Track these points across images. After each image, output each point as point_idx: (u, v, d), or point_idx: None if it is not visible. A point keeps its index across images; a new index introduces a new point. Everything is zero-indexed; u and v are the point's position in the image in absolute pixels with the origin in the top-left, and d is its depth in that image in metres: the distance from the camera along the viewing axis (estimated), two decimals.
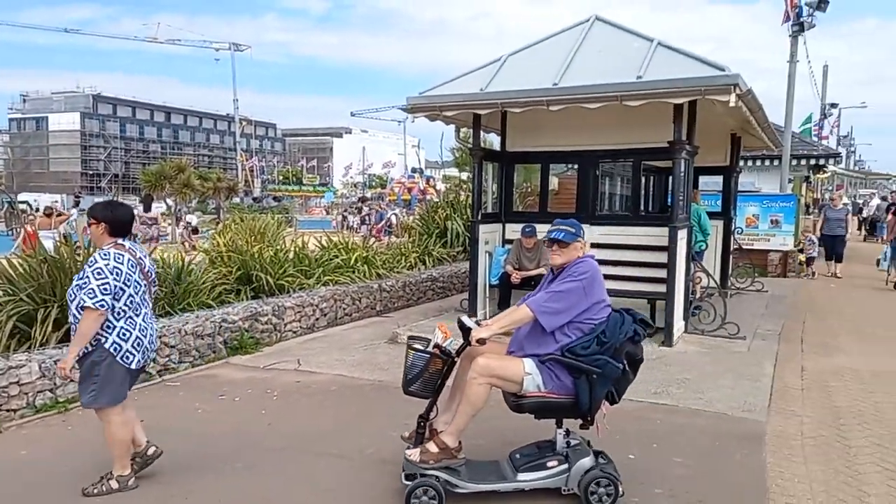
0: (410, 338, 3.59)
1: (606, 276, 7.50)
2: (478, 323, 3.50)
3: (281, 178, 75.71)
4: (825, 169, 18.53)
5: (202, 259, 8.33)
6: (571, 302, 3.30)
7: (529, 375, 3.26)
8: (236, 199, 39.08)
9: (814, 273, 12.74)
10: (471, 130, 8.10)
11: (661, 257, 6.94)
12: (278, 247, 8.85)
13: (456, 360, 3.43)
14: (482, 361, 3.23)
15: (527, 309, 3.34)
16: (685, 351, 6.59)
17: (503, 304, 7.59)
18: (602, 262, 7.51)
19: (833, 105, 30.93)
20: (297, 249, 8.99)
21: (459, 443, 3.37)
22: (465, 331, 3.37)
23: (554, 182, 14.06)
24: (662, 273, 6.90)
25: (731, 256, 10.71)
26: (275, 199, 53.26)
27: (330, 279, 8.51)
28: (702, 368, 5.92)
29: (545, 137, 8.03)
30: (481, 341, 3.29)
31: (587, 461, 3.30)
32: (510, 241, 8.05)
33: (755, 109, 7.04)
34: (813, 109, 28.16)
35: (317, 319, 7.68)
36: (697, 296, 8.31)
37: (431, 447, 3.31)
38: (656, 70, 6.39)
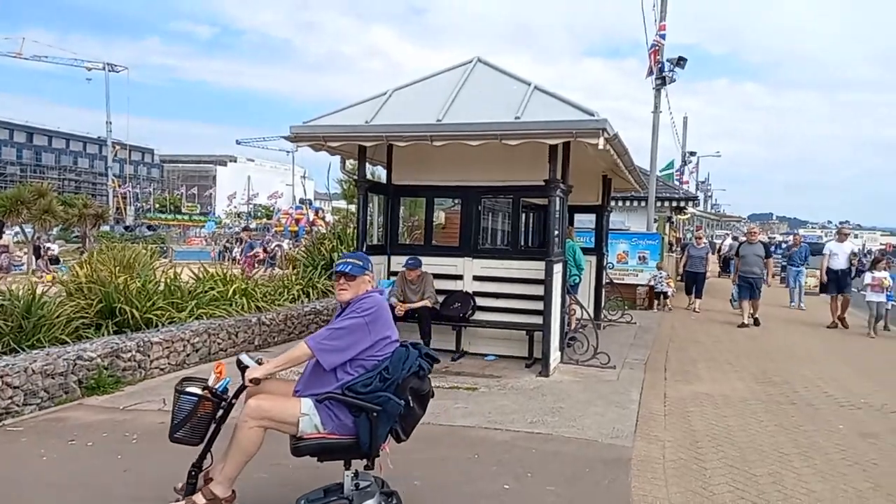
0: (184, 380, 3.32)
1: (487, 308, 7.88)
2: (258, 361, 3.33)
3: (157, 205, 71.60)
4: (685, 210, 20.23)
5: (58, 290, 7.63)
6: (354, 339, 3.21)
7: (306, 416, 3.13)
8: (105, 228, 36.38)
9: (669, 307, 13.67)
10: (357, 162, 8.08)
11: (539, 290, 7.21)
12: (147, 278, 8.28)
13: (232, 401, 3.26)
14: (253, 403, 3.11)
15: (304, 346, 3.21)
16: (561, 380, 6.83)
17: None
18: (483, 295, 7.90)
19: (692, 153, 34.11)
20: (169, 281, 8.46)
21: (233, 492, 3.22)
22: (243, 370, 3.22)
23: (441, 216, 14.38)
24: (540, 305, 7.16)
25: (603, 290, 11.33)
26: (149, 227, 50.15)
27: (205, 312, 8.06)
28: (576, 397, 6.16)
29: (430, 172, 8.18)
30: (255, 381, 3.13)
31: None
32: (396, 274, 8.05)
33: (622, 153, 7.56)
34: (675, 156, 30.85)
35: (188, 355, 7.21)
36: (572, 327, 8.69)
37: (199, 499, 3.14)
38: (533, 112, 6.72)
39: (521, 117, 6.65)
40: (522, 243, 10.08)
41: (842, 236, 13.23)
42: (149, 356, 6.63)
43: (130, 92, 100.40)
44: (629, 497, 3.91)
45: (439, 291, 7.81)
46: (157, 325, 7.31)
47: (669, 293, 13.76)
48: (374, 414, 3.12)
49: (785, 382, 7.29)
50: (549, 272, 7.10)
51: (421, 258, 7.77)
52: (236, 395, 3.26)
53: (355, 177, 8.21)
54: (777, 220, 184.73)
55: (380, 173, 11.86)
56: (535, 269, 7.41)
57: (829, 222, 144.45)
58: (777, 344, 10.01)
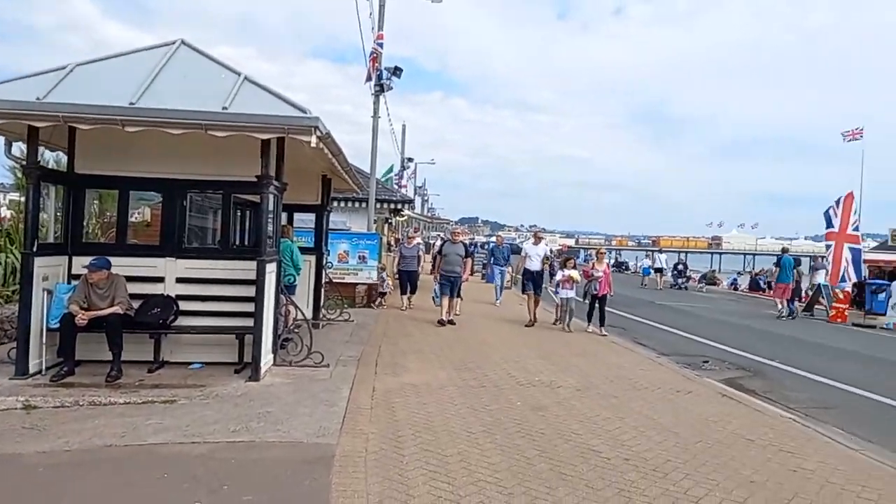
0: None
1: (193, 313, 7.30)
2: None
3: None
4: (402, 212, 21.47)
5: None
6: None
7: None
8: None
9: (384, 304, 14.38)
10: (27, 145, 6.79)
11: (250, 291, 6.90)
12: None
13: None
14: None
15: None
16: (271, 384, 6.64)
17: (65, 350, 6.50)
18: (188, 298, 7.30)
19: (410, 159, 36.42)
20: None
21: None
22: None
23: (147, 213, 12.94)
24: (251, 307, 6.86)
25: (323, 289, 11.38)
26: None
27: None
28: (285, 399, 6.03)
29: (127, 162, 7.28)
30: None
31: None
32: (79, 277, 6.98)
33: (336, 153, 7.65)
34: (395, 161, 32.57)
35: None
36: (288, 327, 8.54)
37: None
38: (243, 103, 6.40)
39: (229, 108, 6.27)
40: (235, 242, 9.58)
41: (536, 239, 13.86)
42: None
43: None
44: (328, 495, 3.94)
45: (136, 296, 7.00)
46: None
47: (387, 291, 14.42)
48: None
49: (478, 368, 8.13)
50: (261, 272, 6.84)
51: (114, 259, 6.87)
52: None
53: (24, 162, 6.90)
54: (482, 223, 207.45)
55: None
56: (246, 269, 7.07)
57: (522, 225, 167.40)
58: (478, 337, 11.10)
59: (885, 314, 18.72)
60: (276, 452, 4.63)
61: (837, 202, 18.67)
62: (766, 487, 4.49)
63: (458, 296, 12.70)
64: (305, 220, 12.13)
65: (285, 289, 8.40)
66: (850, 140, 21.09)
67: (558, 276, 12.05)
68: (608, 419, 6.04)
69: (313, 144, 6.37)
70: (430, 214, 63.55)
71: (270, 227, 7.28)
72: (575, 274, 12.07)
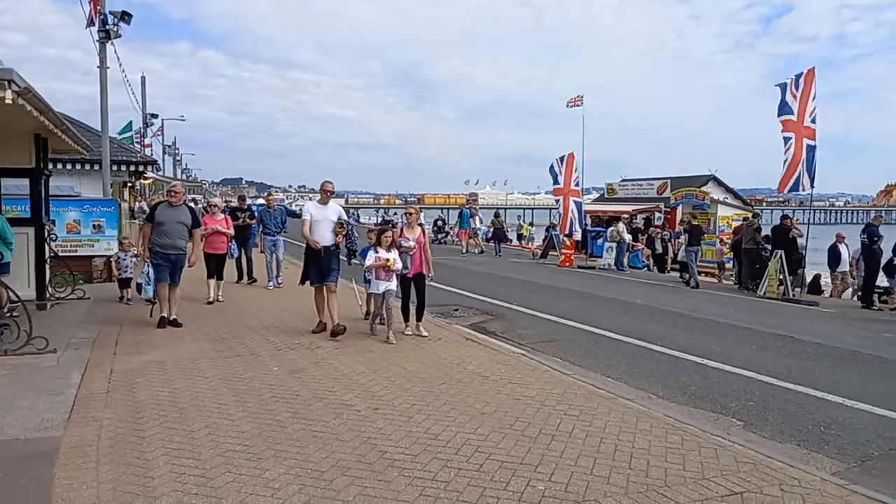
0: None
1: None
2: None
3: None
4: (147, 175, 19.51)
5: None
6: None
7: None
8: None
9: (128, 299, 12.50)
10: None
11: None
12: None
13: None
14: None
15: None
16: None
17: None
18: None
19: (154, 115, 32.91)
20: None
21: None
22: None
23: None
24: None
25: (47, 265, 9.97)
26: None
27: None
28: None
29: None
30: None
31: None
32: None
33: (44, 110, 6.67)
34: (136, 118, 29.23)
35: None
36: (1, 312, 7.37)
37: None
38: None
39: None
40: None
41: (325, 195, 8.48)
42: None
43: None
44: (51, 491, 3.57)
45: None
46: None
47: (135, 280, 12.74)
48: None
49: (234, 338, 7.89)
50: None
51: None
52: None
53: None
54: (247, 185, 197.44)
55: None
56: None
57: (290, 186, 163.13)
58: (238, 303, 10.66)
59: (602, 257, 22.16)
60: None
61: (561, 160, 21.36)
62: (494, 417, 5.12)
63: (220, 277, 10.68)
64: (21, 186, 10.42)
65: None
66: (572, 107, 24.12)
67: (370, 260, 7.92)
68: (363, 373, 6.32)
69: (9, 100, 5.47)
70: (187, 177, 58.71)
71: None
72: (393, 257, 7.91)
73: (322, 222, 8.07)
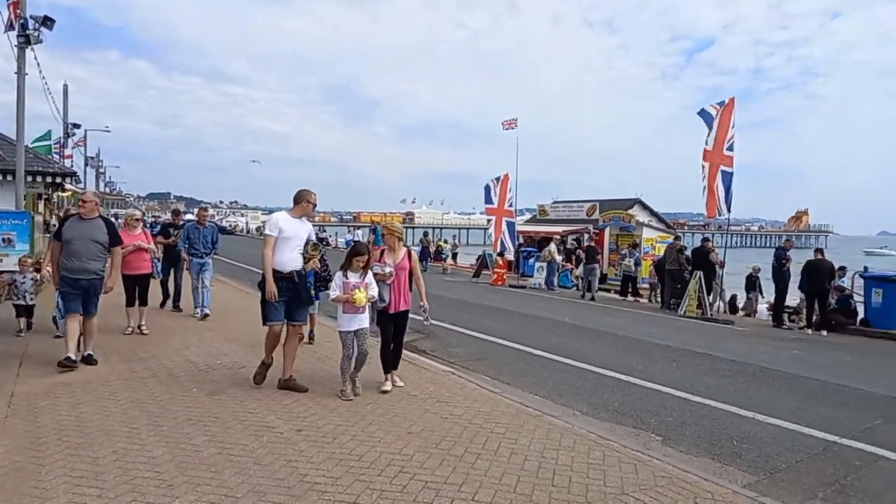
0: None
1: None
2: None
3: None
4: (66, 187, 18.52)
5: None
6: None
7: None
8: None
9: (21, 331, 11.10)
10: None
11: None
12: None
13: None
14: None
15: None
16: None
17: None
18: None
19: (76, 125, 31.38)
20: None
21: None
22: None
23: None
24: None
25: None
26: None
27: None
28: None
29: None
30: None
31: None
32: None
33: None
34: (58, 127, 27.81)
35: None
36: None
37: None
38: None
39: None
40: None
41: (302, 209, 6.46)
42: None
43: None
44: None
45: None
46: None
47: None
48: None
49: (152, 357, 7.53)
50: None
51: None
52: None
53: None
54: (175, 199, 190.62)
55: None
56: None
57: (222, 202, 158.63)
58: (162, 324, 10.20)
59: (533, 276, 22.54)
60: None
61: (497, 180, 21.72)
62: (421, 436, 5.06)
63: (143, 303, 9.33)
64: None
65: None
66: (507, 129, 24.59)
67: (336, 290, 6.12)
68: (286, 394, 6.14)
69: None
70: (110, 190, 56.26)
71: None
72: (367, 282, 6.14)
73: (292, 240, 6.21)
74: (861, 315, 13.93)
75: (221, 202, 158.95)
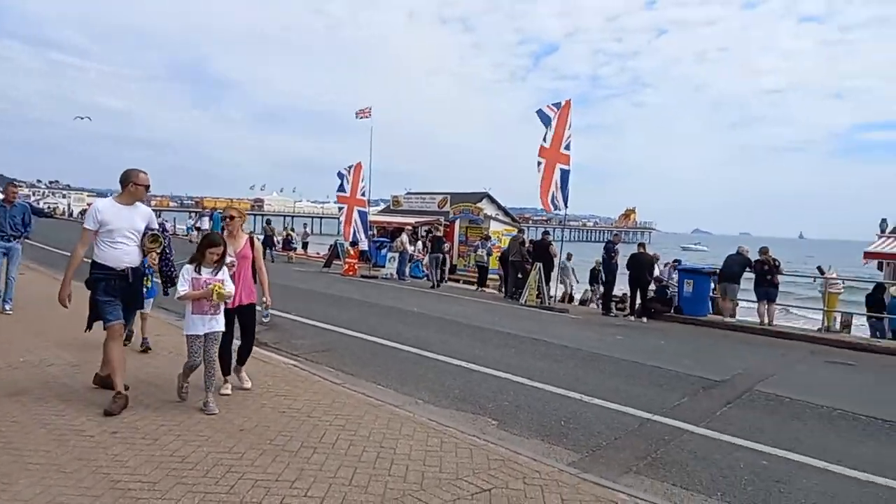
0: None
1: None
2: None
3: None
4: None
5: None
6: None
7: None
8: None
9: None
10: None
11: None
12: None
13: None
14: None
15: None
16: None
17: None
18: None
19: None
20: None
21: None
22: None
23: None
24: None
25: None
26: None
27: None
28: None
29: None
30: None
31: None
32: None
33: None
34: None
35: None
36: None
37: None
38: None
39: None
40: None
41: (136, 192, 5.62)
42: None
43: None
44: None
45: None
46: None
47: None
48: None
49: None
50: None
51: None
52: None
53: None
54: None
55: None
56: None
57: (40, 181, 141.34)
58: None
59: (385, 266, 22.57)
60: None
61: (349, 168, 21.41)
62: (254, 432, 4.81)
63: None
64: None
65: None
66: (361, 118, 24.30)
67: (184, 285, 5.29)
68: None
69: None
70: None
71: None
72: (222, 279, 5.41)
73: (120, 231, 5.28)
74: (675, 303, 15.53)
75: (39, 181, 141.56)
